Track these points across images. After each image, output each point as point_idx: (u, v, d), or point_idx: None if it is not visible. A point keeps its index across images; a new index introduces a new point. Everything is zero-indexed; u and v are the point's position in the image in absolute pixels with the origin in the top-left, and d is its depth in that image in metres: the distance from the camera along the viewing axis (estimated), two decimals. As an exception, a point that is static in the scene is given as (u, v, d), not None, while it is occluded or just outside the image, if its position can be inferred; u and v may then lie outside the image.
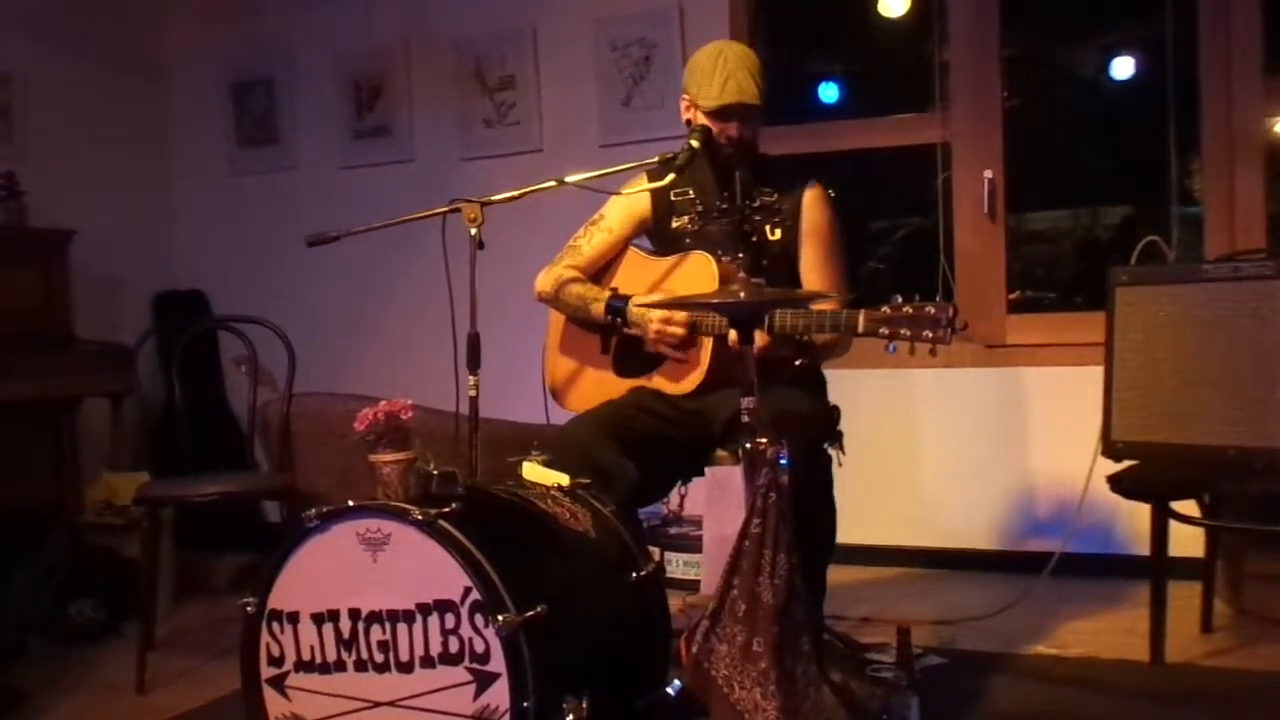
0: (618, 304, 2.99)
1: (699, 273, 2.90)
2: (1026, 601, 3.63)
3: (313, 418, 3.81)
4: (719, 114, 2.89)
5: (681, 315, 2.86)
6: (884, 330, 2.45)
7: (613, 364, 3.09)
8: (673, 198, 3.05)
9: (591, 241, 3.15)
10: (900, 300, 2.44)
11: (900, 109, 4.48)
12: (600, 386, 3.07)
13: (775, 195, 2.93)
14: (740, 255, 2.50)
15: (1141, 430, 3.17)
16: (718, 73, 2.87)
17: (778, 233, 2.94)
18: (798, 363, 2.92)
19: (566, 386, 3.16)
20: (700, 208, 2.99)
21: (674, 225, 3.07)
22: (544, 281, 3.16)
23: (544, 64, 4.77)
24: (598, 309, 3.02)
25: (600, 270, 3.16)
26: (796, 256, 2.98)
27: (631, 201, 3.12)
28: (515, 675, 2.06)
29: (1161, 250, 3.78)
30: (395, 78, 5.03)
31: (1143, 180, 4.51)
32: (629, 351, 3.05)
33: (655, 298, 2.93)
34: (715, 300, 2.50)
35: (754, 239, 2.85)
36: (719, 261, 2.84)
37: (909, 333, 2.41)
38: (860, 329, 2.49)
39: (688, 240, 3.01)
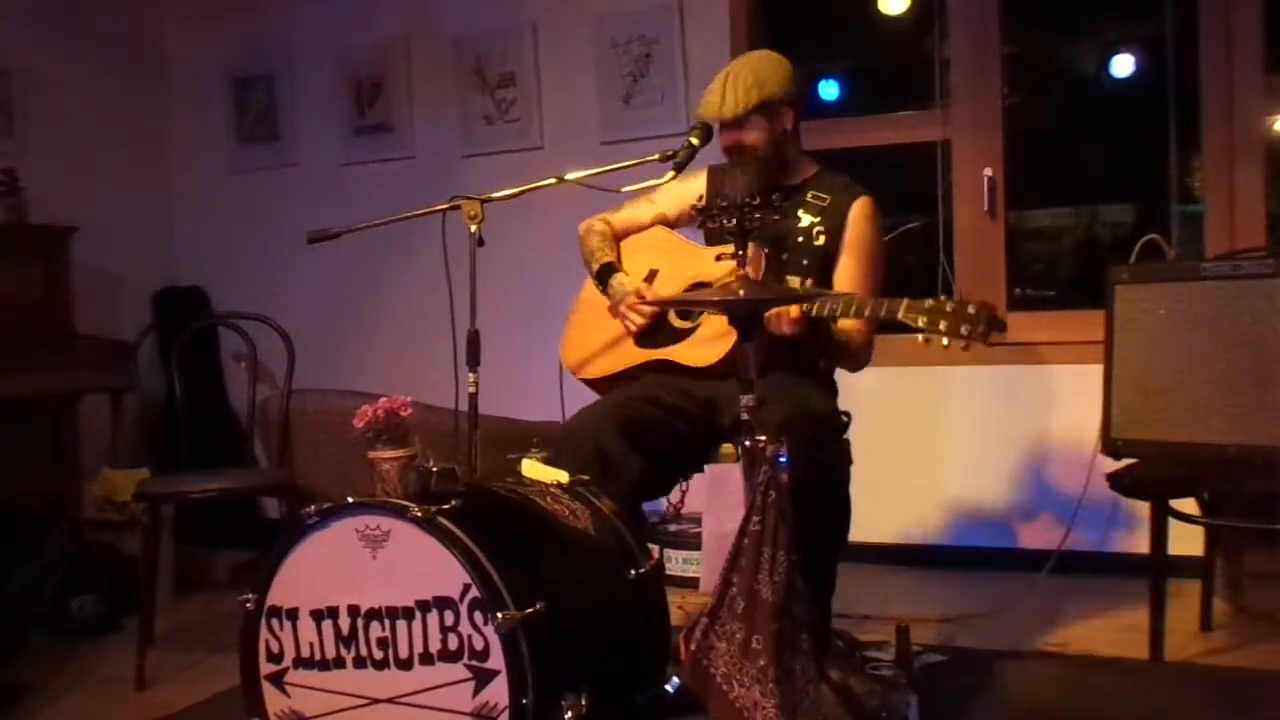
0: (605, 272, 3.10)
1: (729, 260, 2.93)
2: (1026, 599, 3.64)
3: (312, 414, 3.82)
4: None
5: (647, 314, 2.98)
6: (923, 321, 2.44)
7: (635, 336, 3.10)
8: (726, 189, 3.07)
9: (635, 207, 3.23)
10: (944, 297, 2.44)
11: (900, 106, 4.48)
12: (617, 356, 3.08)
13: (827, 200, 2.97)
14: (740, 252, 2.49)
15: (1141, 428, 3.17)
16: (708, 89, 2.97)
17: (821, 239, 2.96)
18: (820, 363, 2.94)
19: (583, 357, 3.17)
20: (700, 205, 2.99)
21: (708, 227, 3.10)
22: (583, 224, 3.26)
23: (544, 61, 4.77)
24: (594, 266, 3.14)
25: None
26: (836, 263, 2.98)
27: (687, 188, 3.13)
28: (514, 672, 2.06)
29: (1161, 248, 3.78)
30: (396, 74, 5.03)
31: (1143, 178, 4.51)
32: (653, 324, 3.06)
33: (637, 283, 3.04)
34: (718, 298, 2.50)
35: (799, 239, 2.88)
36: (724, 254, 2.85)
37: (947, 326, 2.40)
38: (900, 315, 2.47)
39: (728, 236, 3.02)
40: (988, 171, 4.21)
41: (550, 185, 2.89)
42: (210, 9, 5.33)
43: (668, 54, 4.52)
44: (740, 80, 2.91)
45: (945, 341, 2.38)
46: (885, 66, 4.90)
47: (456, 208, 2.81)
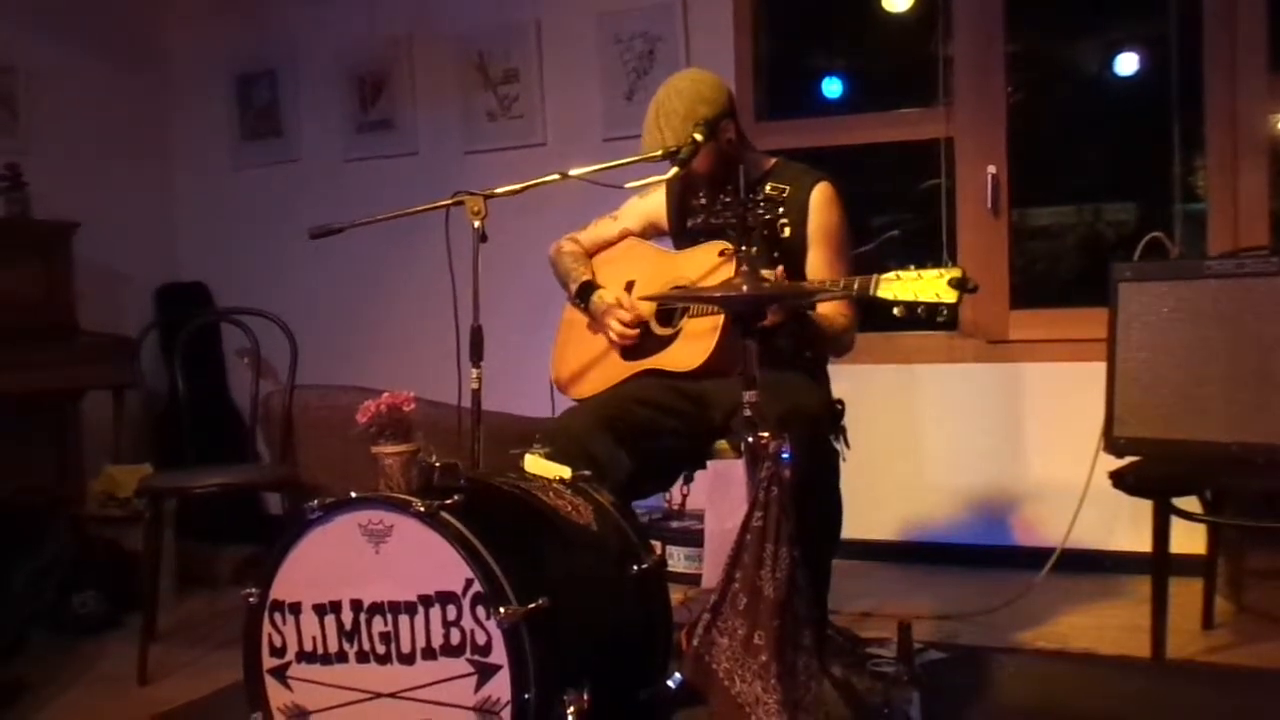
0: (585, 290, 3.11)
1: (706, 260, 2.91)
2: (1028, 597, 3.64)
3: (315, 410, 3.82)
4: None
5: (630, 316, 2.98)
6: (895, 293, 2.43)
7: (620, 349, 3.10)
8: (702, 200, 3.06)
9: (599, 226, 3.27)
10: (913, 267, 2.43)
11: (904, 104, 4.48)
12: (605, 372, 3.08)
13: (786, 190, 2.95)
14: (744, 248, 2.49)
15: (1144, 426, 3.17)
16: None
17: (787, 230, 2.94)
18: (807, 354, 2.93)
19: (573, 376, 3.17)
20: (704, 201, 2.99)
21: (689, 225, 3.09)
22: (553, 246, 3.29)
23: (547, 57, 4.77)
24: (573, 287, 3.16)
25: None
26: (804, 253, 2.98)
27: (646, 203, 3.21)
28: (517, 667, 2.06)
29: (1165, 246, 3.78)
30: (399, 71, 5.04)
31: (1146, 176, 4.50)
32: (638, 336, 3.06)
33: (619, 308, 3.02)
34: (719, 294, 2.50)
35: (765, 233, 2.87)
36: (726, 251, 2.84)
37: (918, 293, 2.39)
38: (873, 292, 2.46)
39: (701, 238, 3.02)
40: (991, 169, 4.21)
41: (554, 181, 2.89)
42: (214, 5, 5.34)
43: (671, 51, 4.52)
44: (673, 113, 2.89)
45: (920, 311, 2.38)
46: (889, 64, 4.89)
47: (460, 203, 2.81)
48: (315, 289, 5.03)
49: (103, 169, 4.98)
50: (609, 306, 3.05)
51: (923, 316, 2.40)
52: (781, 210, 2.92)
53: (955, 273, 2.34)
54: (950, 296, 2.33)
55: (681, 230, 3.12)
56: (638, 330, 3.02)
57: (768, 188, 2.97)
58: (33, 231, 4.45)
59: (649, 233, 3.24)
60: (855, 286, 2.47)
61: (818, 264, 2.95)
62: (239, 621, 2.38)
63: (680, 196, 3.10)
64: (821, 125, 4.56)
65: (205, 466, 3.65)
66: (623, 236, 3.25)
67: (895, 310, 2.41)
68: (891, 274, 2.40)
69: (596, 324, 3.10)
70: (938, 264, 2.39)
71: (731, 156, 2.94)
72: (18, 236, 4.40)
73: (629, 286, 3.12)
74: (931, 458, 4.31)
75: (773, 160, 3.09)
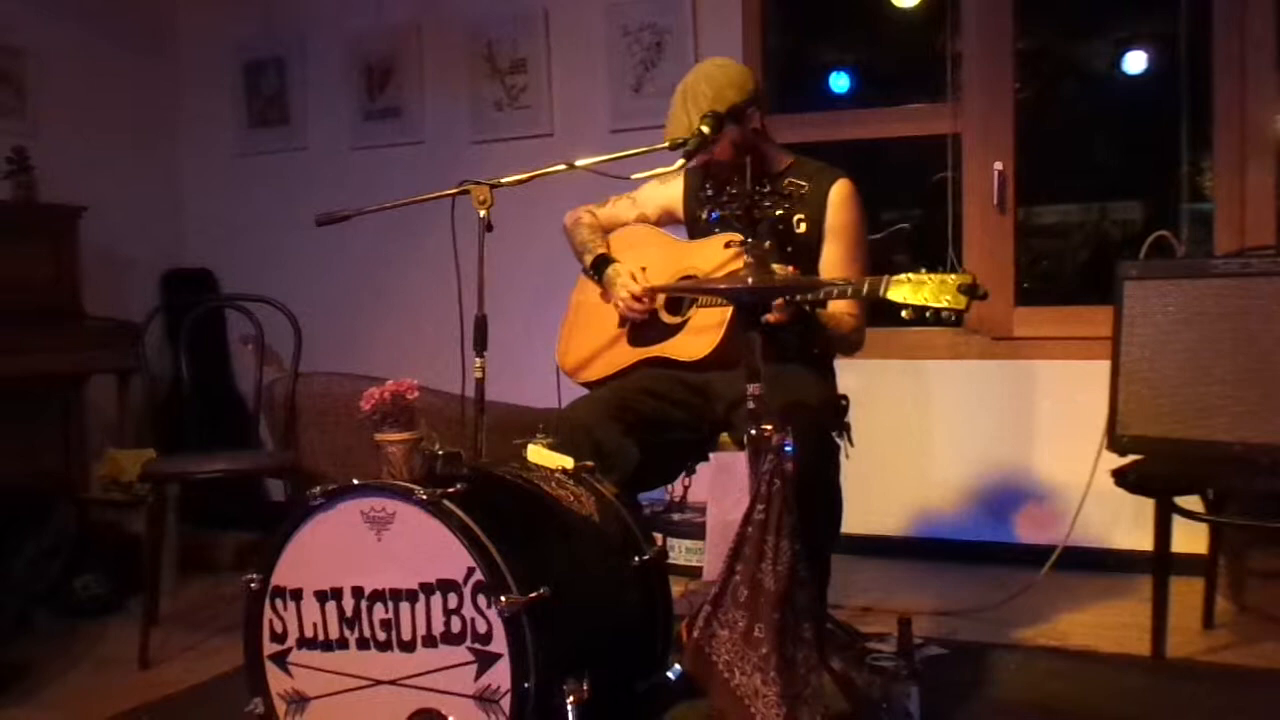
0: (601, 263, 3.10)
1: (716, 252, 2.92)
2: (1028, 594, 3.64)
3: (318, 397, 3.82)
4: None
5: (641, 288, 2.98)
6: (905, 295, 2.43)
7: (627, 335, 3.10)
8: (709, 192, 3.07)
9: (617, 205, 3.28)
10: (924, 270, 2.43)
11: (912, 99, 4.47)
12: (611, 358, 3.08)
13: (805, 186, 2.96)
14: (749, 241, 2.49)
15: (1147, 425, 3.17)
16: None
17: (803, 225, 2.95)
18: (815, 351, 2.93)
19: (580, 362, 3.17)
20: (710, 192, 2.99)
21: (702, 216, 3.09)
22: (570, 215, 3.28)
23: (555, 48, 4.77)
24: (588, 259, 3.15)
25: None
26: (819, 249, 2.98)
27: (666, 190, 3.20)
28: (517, 656, 2.06)
29: (1170, 245, 3.77)
30: (407, 60, 5.03)
31: (1153, 175, 4.50)
32: (644, 323, 3.06)
33: (631, 280, 3.01)
34: (724, 287, 2.50)
35: (780, 227, 2.87)
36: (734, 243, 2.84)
37: (928, 297, 2.39)
38: (883, 293, 2.46)
39: (716, 230, 3.02)
40: (998, 166, 4.20)
41: (560, 171, 2.89)
42: (222, -8, 5.35)
43: (679, 43, 4.51)
44: (700, 97, 2.88)
45: (928, 314, 2.38)
46: (897, 60, 4.89)
47: (466, 192, 2.81)
48: (320, 276, 5.03)
49: (110, 153, 4.99)
50: (620, 278, 3.04)
51: (930, 319, 2.41)
52: (799, 206, 2.93)
53: (966, 279, 2.33)
54: (959, 303, 2.33)
55: (696, 220, 3.13)
56: (646, 303, 3.00)
57: (785, 183, 2.98)
58: (39, 215, 4.46)
59: (664, 220, 3.23)
60: (865, 287, 2.47)
61: (832, 260, 2.95)
62: (240, 607, 2.39)
63: (697, 186, 3.09)
64: (829, 120, 4.55)
65: (208, 452, 3.65)
66: (637, 221, 3.24)
67: (904, 313, 2.41)
68: (903, 276, 2.39)
69: (607, 294, 3.08)
70: (944, 263, 2.39)
71: (754, 145, 2.95)
72: (24, 219, 4.41)
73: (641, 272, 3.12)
74: (935, 453, 4.31)
75: (791, 157, 3.10)
